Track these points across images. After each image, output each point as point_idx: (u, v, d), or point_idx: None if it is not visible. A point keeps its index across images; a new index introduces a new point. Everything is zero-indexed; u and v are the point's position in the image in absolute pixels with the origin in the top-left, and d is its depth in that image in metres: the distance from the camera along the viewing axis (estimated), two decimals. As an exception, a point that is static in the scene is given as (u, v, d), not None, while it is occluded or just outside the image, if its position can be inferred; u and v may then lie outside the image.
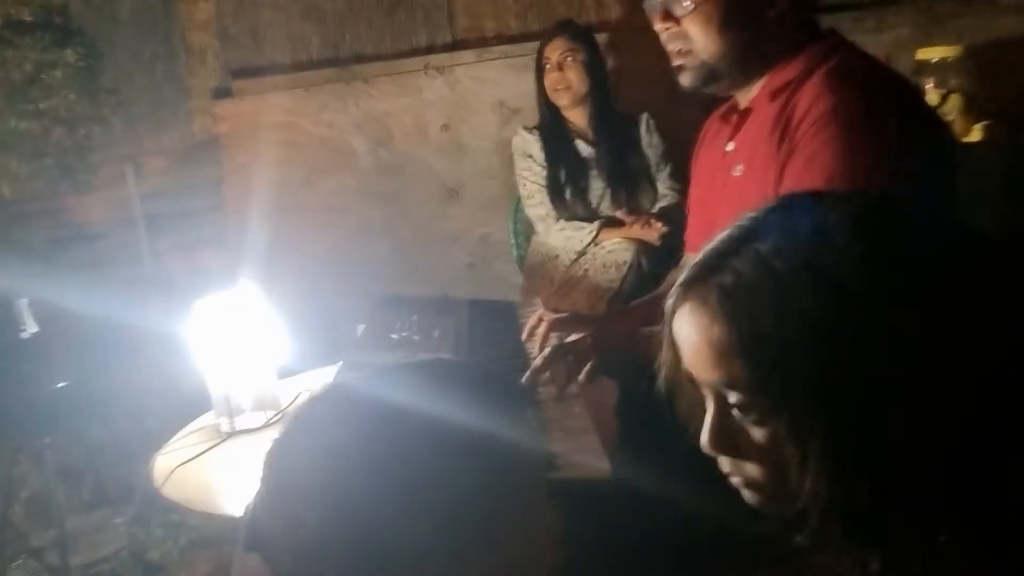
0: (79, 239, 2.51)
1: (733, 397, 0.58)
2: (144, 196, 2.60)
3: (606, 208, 2.34)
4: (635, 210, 2.30)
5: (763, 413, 0.57)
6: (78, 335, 2.03)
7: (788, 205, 0.61)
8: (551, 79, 2.33)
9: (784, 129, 1.03)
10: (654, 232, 2.18)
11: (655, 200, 2.37)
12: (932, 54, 2.21)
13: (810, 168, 0.99)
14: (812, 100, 1.02)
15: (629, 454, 0.98)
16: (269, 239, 2.52)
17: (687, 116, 2.65)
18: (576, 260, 2.28)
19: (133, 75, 2.59)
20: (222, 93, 2.66)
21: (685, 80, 1.11)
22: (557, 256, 2.32)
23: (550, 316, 1.22)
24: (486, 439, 0.58)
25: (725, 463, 0.63)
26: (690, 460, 1.02)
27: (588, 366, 1.03)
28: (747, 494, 0.63)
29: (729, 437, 0.61)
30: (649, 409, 1.12)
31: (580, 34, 2.37)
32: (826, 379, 0.53)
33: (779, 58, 1.09)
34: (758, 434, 0.58)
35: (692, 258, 1.41)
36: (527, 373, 1.05)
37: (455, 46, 2.73)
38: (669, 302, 0.63)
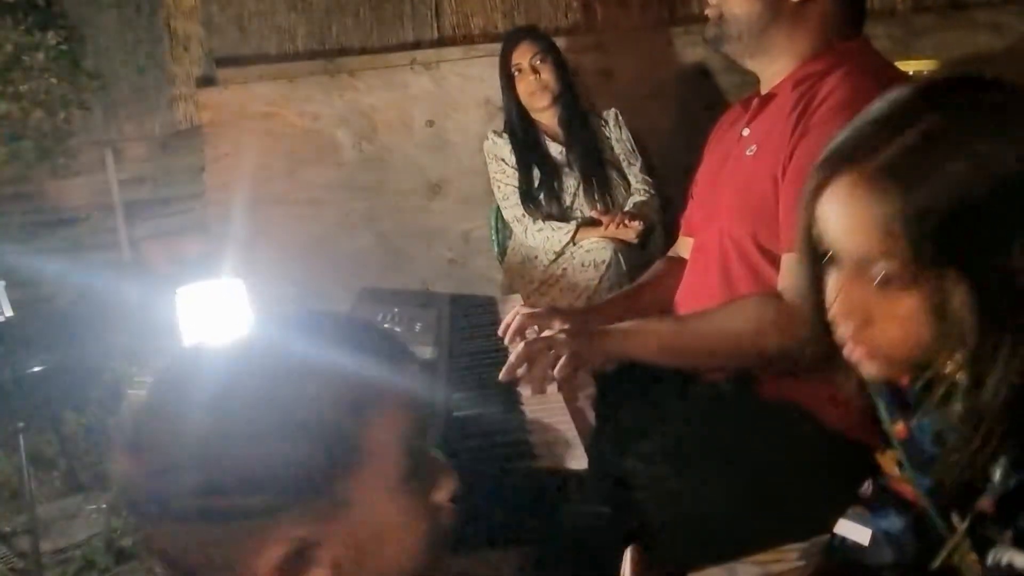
0: (56, 223, 2.48)
1: (881, 267, 0.61)
2: (123, 182, 2.58)
3: (579, 206, 2.37)
4: (610, 206, 2.33)
5: (912, 282, 0.60)
6: (54, 320, 2.01)
7: (947, 85, 0.64)
8: (526, 83, 2.35)
9: (801, 114, 1.07)
10: (631, 231, 2.20)
11: (628, 195, 2.39)
12: (910, 67, 2.25)
13: (819, 150, 1.02)
14: (833, 87, 1.06)
15: (606, 446, 1.00)
16: (250, 229, 2.51)
17: (669, 117, 2.70)
18: (555, 260, 2.30)
19: (115, 60, 2.57)
20: (206, 81, 2.64)
21: (706, 32, 1.18)
22: (536, 256, 2.34)
23: (525, 310, 1.23)
24: (339, 376, 0.56)
25: (849, 330, 0.65)
26: (665, 452, 1.05)
27: (563, 360, 1.04)
28: (868, 365, 0.66)
29: (863, 307, 0.63)
30: (625, 402, 1.14)
31: (543, 37, 2.41)
32: (985, 250, 0.57)
33: (808, 53, 1.13)
34: (902, 302, 0.61)
35: (685, 243, 1.43)
36: (503, 370, 1.06)
37: (441, 42, 2.74)
38: (813, 182, 0.66)
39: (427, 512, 0.58)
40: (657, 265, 1.45)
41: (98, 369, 2.24)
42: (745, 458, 1.03)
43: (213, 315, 1.31)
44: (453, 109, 2.74)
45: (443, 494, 0.60)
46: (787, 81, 1.14)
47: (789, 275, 1.02)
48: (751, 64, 1.20)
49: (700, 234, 1.27)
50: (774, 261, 1.09)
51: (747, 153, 1.16)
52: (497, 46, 2.71)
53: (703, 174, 1.34)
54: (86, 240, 2.53)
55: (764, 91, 1.20)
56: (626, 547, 0.90)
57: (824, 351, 0.70)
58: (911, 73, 2.24)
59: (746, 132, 1.19)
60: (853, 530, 0.85)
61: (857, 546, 0.83)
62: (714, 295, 1.15)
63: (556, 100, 2.37)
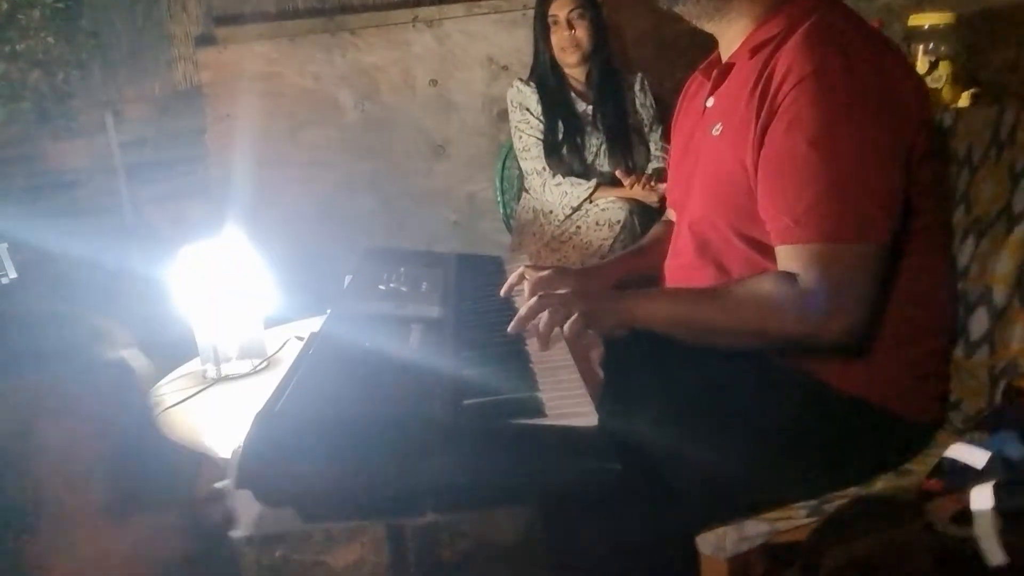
0: (58, 186, 2.46)
1: None
2: (124, 144, 2.55)
3: (601, 165, 2.34)
4: (630, 168, 2.31)
5: None
6: (58, 282, 2.00)
7: None
8: (560, 38, 2.30)
9: (764, 90, 1.03)
10: (654, 194, 2.19)
11: (648, 160, 2.38)
12: (924, 21, 2.20)
13: (792, 132, 0.99)
14: (791, 61, 1.00)
15: (615, 404, 0.99)
16: (252, 191, 2.49)
17: (675, 76, 2.65)
18: (570, 216, 2.28)
19: (113, 19, 2.53)
20: (205, 40, 2.60)
21: None
22: (551, 211, 2.32)
23: (532, 274, 1.21)
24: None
25: None
26: (673, 411, 1.04)
27: (574, 318, 1.02)
28: None
29: None
30: (634, 360, 1.13)
31: None
32: None
33: (764, 13, 1.09)
34: None
35: (673, 215, 1.41)
36: (513, 322, 1.05)
37: (444, -1, 2.69)
38: None
39: (169, 537, 0.48)
40: (656, 228, 1.44)
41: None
42: (754, 418, 1.03)
43: (216, 273, 1.30)
44: (456, 68, 2.70)
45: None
46: (744, 48, 1.10)
47: (798, 265, 0.98)
48: (708, 27, 1.14)
49: (679, 211, 1.25)
50: (755, 244, 1.06)
51: (713, 132, 1.12)
52: (500, 3, 2.66)
53: (675, 149, 1.31)
54: (88, 203, 2.52)
55: (724, 58, 1.15)
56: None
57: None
58: (924, 25, 2.20)
59: (710, 103, 1.16)
60: (969, 453, 0.83)
61: (970, 469, 0.82)
62: (699, 276, 1.13)
63: (587, 58, 2.33)
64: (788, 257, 1.00)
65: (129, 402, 0.49)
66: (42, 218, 2.27)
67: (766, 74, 1.03)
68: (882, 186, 0.98)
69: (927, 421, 1.10)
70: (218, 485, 0.52)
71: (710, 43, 1.23)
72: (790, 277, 0.99)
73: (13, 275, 1.85)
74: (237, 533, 0.75)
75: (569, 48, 2.30)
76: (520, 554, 1.59)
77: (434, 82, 2.70)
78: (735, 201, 1.07)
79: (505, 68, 2.67)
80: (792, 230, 0.99)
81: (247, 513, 0.74)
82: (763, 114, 1.02)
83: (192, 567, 0.48)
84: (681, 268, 1.19)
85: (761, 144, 1.02)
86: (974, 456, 0.83)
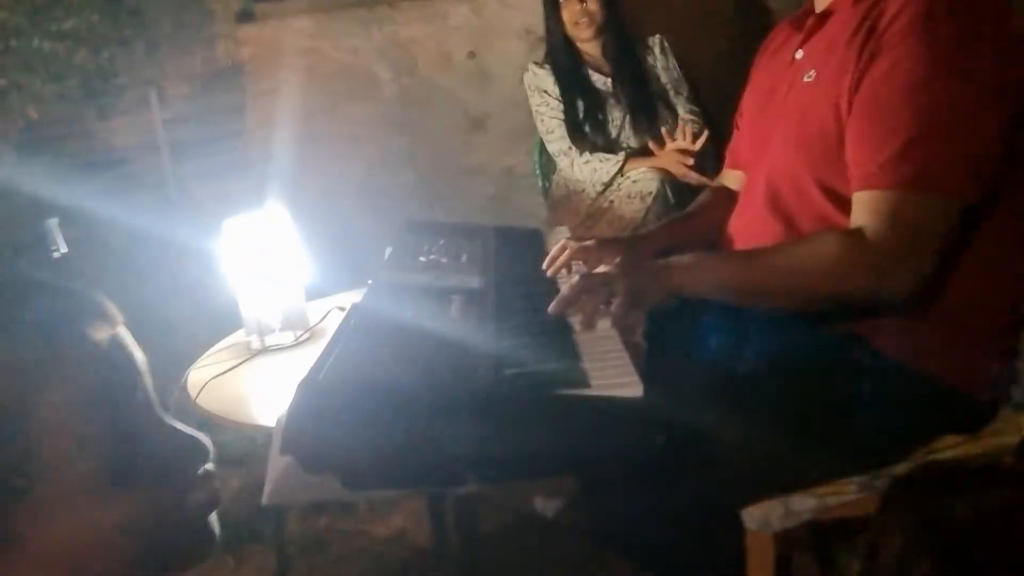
0: (105, 163, 2.51)
1: None
2: (168, 121, 2.58)
3: (626, 138, 2.29)
4: (658, 138, 2.26)
5: None
6: (108, 258, 2.05)
7: None
8: (572, 12, 2.26)
9: (868, 34, 0.98)
10: (694, 147, 2.10)
11: (675, 126, 2.31)
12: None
13: (891, 76, 0.95)
14: (902, 5, 0.96)
15: (659, 374, 0.97)
16: (293, 166, 2.50)
17: (723, 41, 2.59)
18: (602, 192, 2.25)
19: (155, -3, 2.55)
20: (245, 17, 2.61)
21: None
22: (583, 189, 2.29)
23: (574, 244, 1.20)
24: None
25: None
26: (719, 381, 1.02)
27: (619, 299, 0.97)
28: None
29: None
30: (678, 333, 1.11)
31: None
32: None
33: None
34: None
35: (732, 175, 1.36)
36: (554, 302, 1.03)
37: (481, -30, 2.66)
38: None
39: (156, 516, 0.47)
40: (704, 195, 1.40)
41: (151, 306, 2.28)
42: (804, 388, 1.00)
43: (259, 246, 1.31)
44: (494, 40, 2.67)
45: (196, 482, 0.50)
46: None
47: (872, 212, 0.94)
48: None
49: (751, 169, 1.21)
50: (834, 198, 1.02)
51: (804, 79, 1.07)
52: (538, -28, 2.61)
53: (749, 103, 1.26)
54: (134, 180, 2.56)
55: (820, 8, 1.11)
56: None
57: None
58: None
59: (799, 55, 1.11)
60: None
61: None
62: (769, 234, 1.09)
63: (601, 31, 2.28)
64: (863, 204, 0.96)
65: (124, 379, 0.50)
66: (90, 194, 2.31)
67: (872, 16, 0.99)
68: (975, 141, 0.94)
69: (990, 398, 1.06)
70: (208, 466, 0.53)
71: (754, 12, 1.19)
72: (854, 233, 0.95)
73: (64, 249, 1.89)
74: (267, 501, 0.76)
75: (582, 22, 2.25)
76: (561, 526, 1.59)
77: (472, 55, 2.67)
78: (821, 148, 1.03)
79: (543, 40, 2.63)
80: (874, 175, 0.95)
81: (291, 480, 0.75)
82: (865, 56, 0.97)
83: (175, 546, 0.49)
84: (748, 225, 1.16)
85: (858, 87, 0.98)
86: None
